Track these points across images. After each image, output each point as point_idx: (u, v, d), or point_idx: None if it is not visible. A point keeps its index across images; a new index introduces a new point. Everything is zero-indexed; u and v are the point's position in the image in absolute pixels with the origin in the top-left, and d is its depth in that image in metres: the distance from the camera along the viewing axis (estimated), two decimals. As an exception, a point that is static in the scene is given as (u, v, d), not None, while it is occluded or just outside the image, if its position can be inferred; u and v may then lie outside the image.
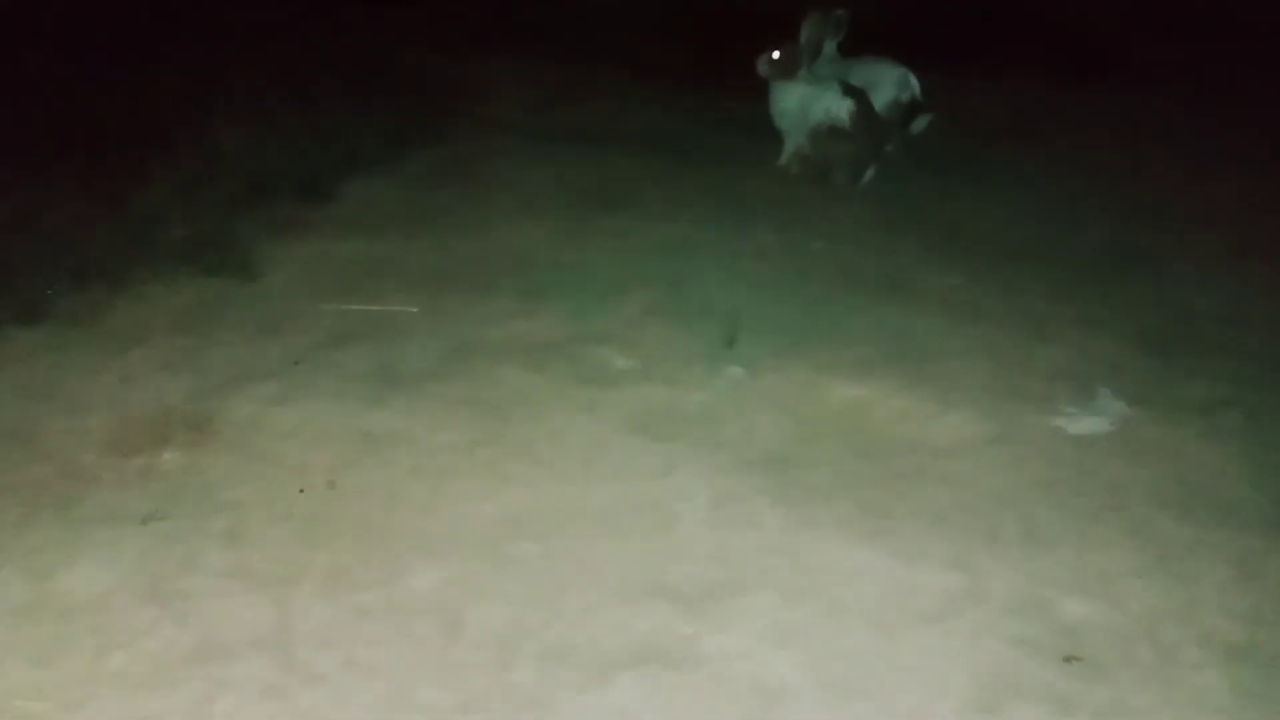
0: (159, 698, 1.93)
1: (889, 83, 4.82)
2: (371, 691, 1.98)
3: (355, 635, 2.10)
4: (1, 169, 3.82)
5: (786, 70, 4.54)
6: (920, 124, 4.84)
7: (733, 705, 1.99)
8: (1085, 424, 2.88)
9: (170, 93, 4.69)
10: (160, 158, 4.13)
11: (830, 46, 4.76)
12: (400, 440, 2.70)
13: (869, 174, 4.60)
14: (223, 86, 4.76)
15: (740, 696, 2.01)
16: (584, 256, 3.78)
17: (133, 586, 2.18)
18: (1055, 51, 6.50)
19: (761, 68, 4.56)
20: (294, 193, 4.15)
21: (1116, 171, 5.06)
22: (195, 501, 2.44)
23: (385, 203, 4.19)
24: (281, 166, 4.27)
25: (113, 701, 1.92)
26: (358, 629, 2.12)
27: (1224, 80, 5.96)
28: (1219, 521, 2.53)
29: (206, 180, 4.10)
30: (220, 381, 2.89)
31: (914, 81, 4.85)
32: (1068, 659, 2.11)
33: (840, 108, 4.49)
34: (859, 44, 4.90)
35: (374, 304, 3.34)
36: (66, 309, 3.24)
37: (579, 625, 2.16)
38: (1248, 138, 5.31)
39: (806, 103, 4.53)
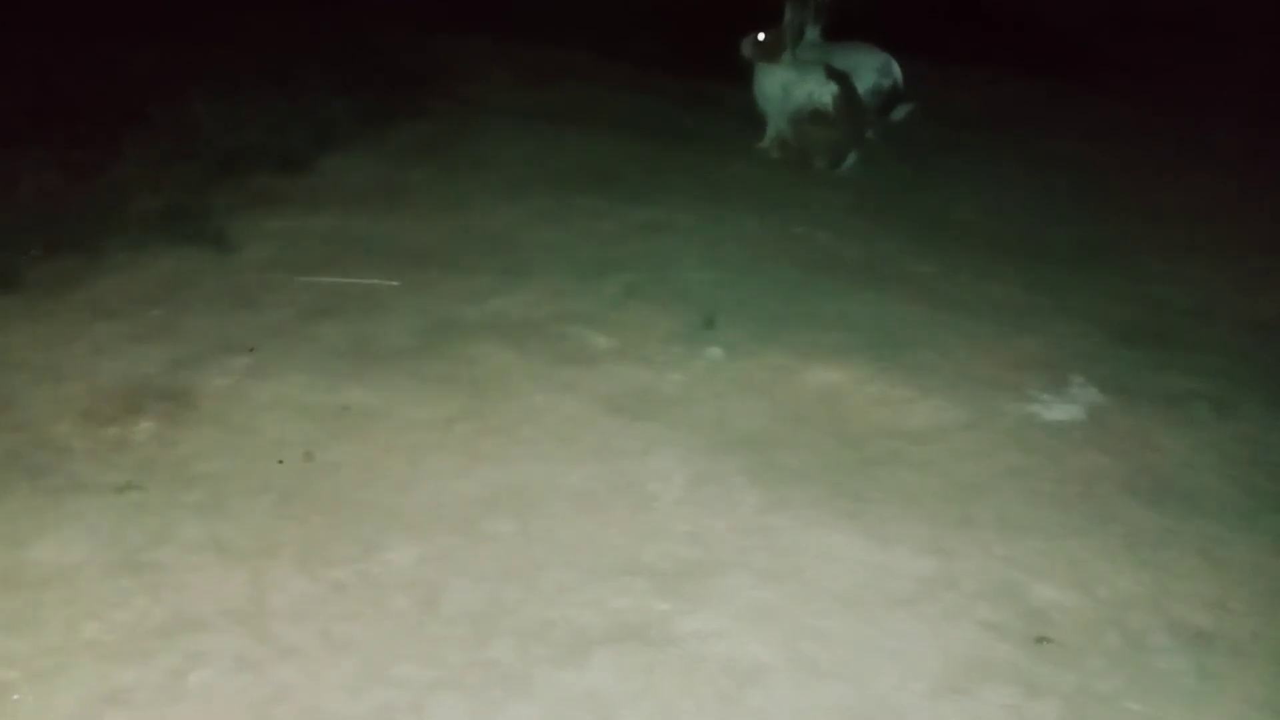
0: (132, 668, 1.92)
1: (870, 69, 4.83)
2: (346, 665, 1.98)
3: (331, 609, 2.10)
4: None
5: (770, 53, 4.54)
6: (900, 112, 4.86)
7: (708, 684, 2.00)
8: (1059, 411, 2.92)
9: (146, 68, 4.66)
10: (135, 131, 4.10)
11: (813, 31, 4.76)
12: (377, 415, 2.69)
13: (850, 159, 4.61)
14: (199, 63, 4.73)
15: (715, 675, 2.02)
16: (563, 236, 3.77)
17: (106, 557, 2.16)
18: (1031, 46, 6.55)
19: (745, 50, 4.56)
20: (270, 167, 4.13)
21: (1090, 166, 5.11)
22: (170, 473, 2.42)
23: (363, 179, 4.17)
24: (257, 141, 4.25)
25: (85, 671, 1.91)
26: (333, 603, 2.11)
27: (1198, 78, 6.03)
28: (1188, 510, 2.56)
29: (182, 153, 4.08)
30: (195, 353, 2.87)
31: (895, 69, 4.87)
32: (1040, 640, 2.14)
33: (823, 92, 4.50)
34: (838, 33, 4.91)
35: (351, 277, 3.32)
36: (40, 278, 3.21)
37: (555, 603, 2.16)
38: (1220, 136, 5.38)
39: (789, 86, 4.54)
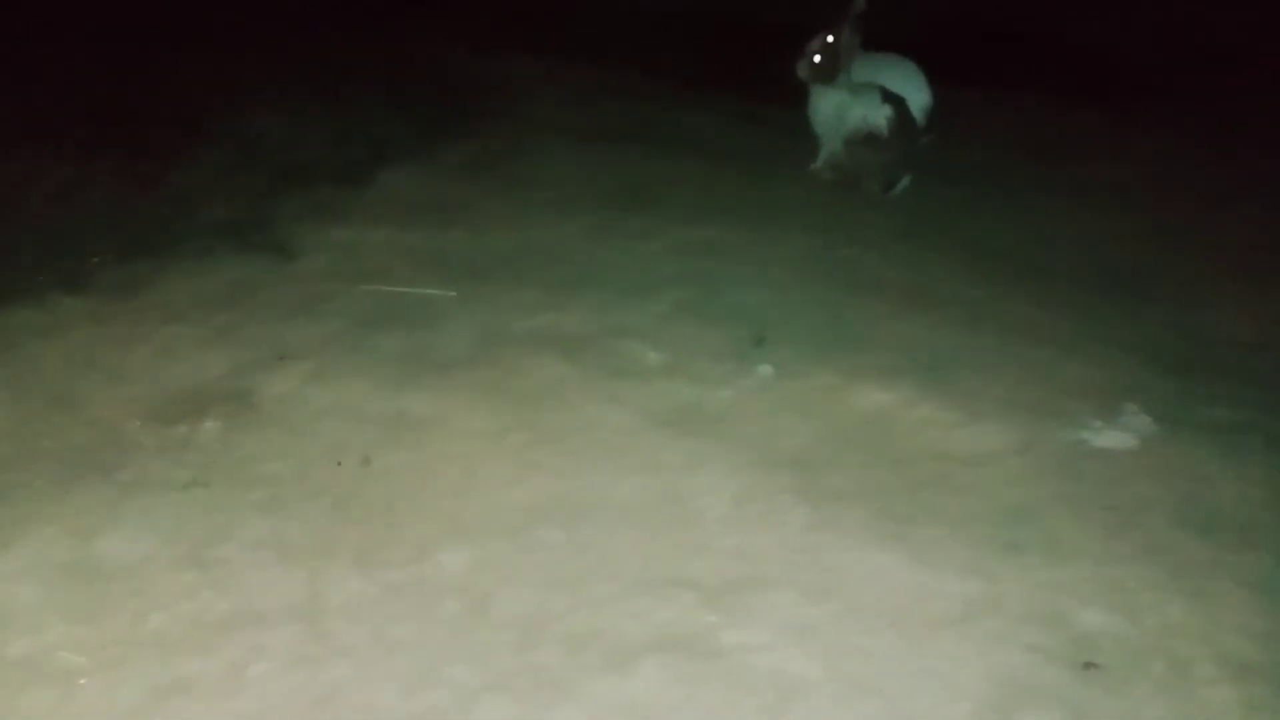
0: (194, 660, 1.98)
1: (916, 86, 4.81)
2: (399, 665, 2.03)
3: (385, 610, 2.15)
4: (44, 149, 3.91)
5: (825, 74, 4.54)
6: (925, 139, 4.85)
7: (750, 696, 2.02)
8: (1108, 439, 2.91)
9: (207, 82, 4.77)
10: (198, 142, 4.22)
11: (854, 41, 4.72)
12: (433, 423, 2.74)
13: (903, 183, 4.62)
14: (258, 77, 4.84)
15: (759, 688, 2.04)
16: (614, 254, 3.82)
17: (172, 551, 2.23)
18: (1076, 73, 6.51)
19: (801, 71, 4.57)
20: (330, 179, 4.22)
21: (1138, 195, 5.06)
22: (233, 472, 2.49)
23: (419, 193, 4.24)
24: (317, 154, 4.35)
25: (150, 661, 1.97)
26: (387, 604, 2.16)
27: (1247, 108, 5.97)
28: (1238, 542, 2.54)
29: (244, 165, 4.19)
30: (257, 357, 2.95)
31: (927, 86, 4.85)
32: (1087, 665, 2.14)
33: (878, 114, 4.49)
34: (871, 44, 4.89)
35: (409, 287, 3.39)
36: (108, 282, 3.30)
37: (602, 612, 2.20)
38: (1267, 165, 5.32)
39: (844, 109, 4.54)
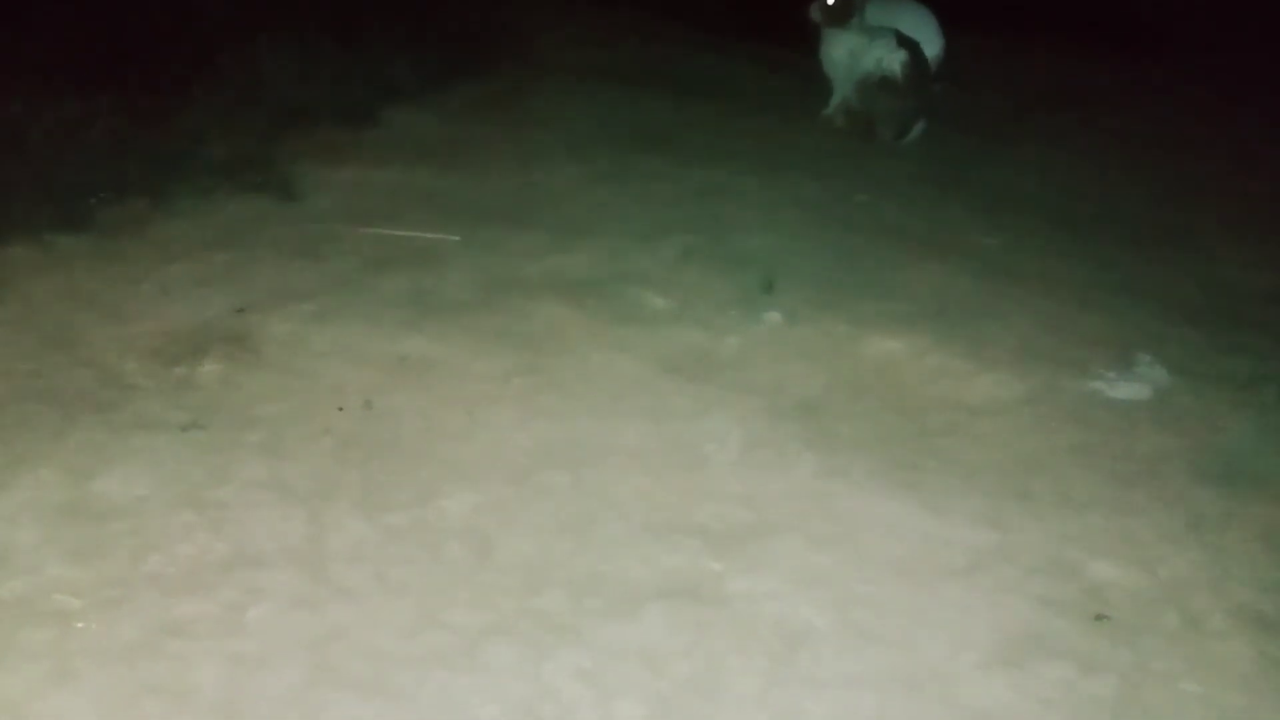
0: (193, 601, 1.96)
1: (931, 31, 4.72)
2: (401, 609, 2.00)
3: (387, 553, 2.12)
4: (45, 84, 3.83)
5: (839, 17, 4.45)
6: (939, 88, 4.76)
7: (757, 643, 2.00)
8: (1124, 389, 2.86)
9: (215, 17, 4.68)
10: (204, 79, 4.14)
11: None
12: (436, 366, 2.70)
13: (916, 130, 4.54)
14: (266, 13, 4.75)
15: (765, 636, 2.02)
16: (622, 197, 3.76)
17: (170, 493, 2.20)
18: (1100, 21, 6.38)
19: (814, 13, 4.48)
20: (335, 119, 4.15)
21: (1161, 145, 4.98)
22: (232, 414, 2.46)
23: (426, 134, 4.18)
24: (323, 93, 4.27)
25: (148, 602, 1.95)
26: (389, 547, 2.14)
27: (1266, 58, 5.84)
28: (1253, 494, 2.51)
29: (249, 103, 4.11)
30: (259, 298, 2.90)
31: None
32: (1099, 617, 2.11)
33: (893, 60, 4.41)
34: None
35: (413, 231, 3.34)
36: (108, 220, 3.25)
37: (607, 556, 2.17)
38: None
39: (858, 53, 4.46)
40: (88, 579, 1.99)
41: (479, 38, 5.16)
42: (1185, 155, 4.88)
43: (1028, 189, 4.33)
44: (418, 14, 5.12)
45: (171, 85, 4.07)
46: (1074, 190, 4.39)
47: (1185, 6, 6.67)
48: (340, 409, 2.51)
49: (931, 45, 4.66)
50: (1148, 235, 4.01)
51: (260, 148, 3.78)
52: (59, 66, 3.98)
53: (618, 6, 5.85)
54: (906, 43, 4.44)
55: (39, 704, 1.75)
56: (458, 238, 3.32)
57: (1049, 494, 2.46)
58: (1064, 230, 3.93)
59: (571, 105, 4.53)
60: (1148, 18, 6.57)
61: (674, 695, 1.88)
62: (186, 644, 1.87)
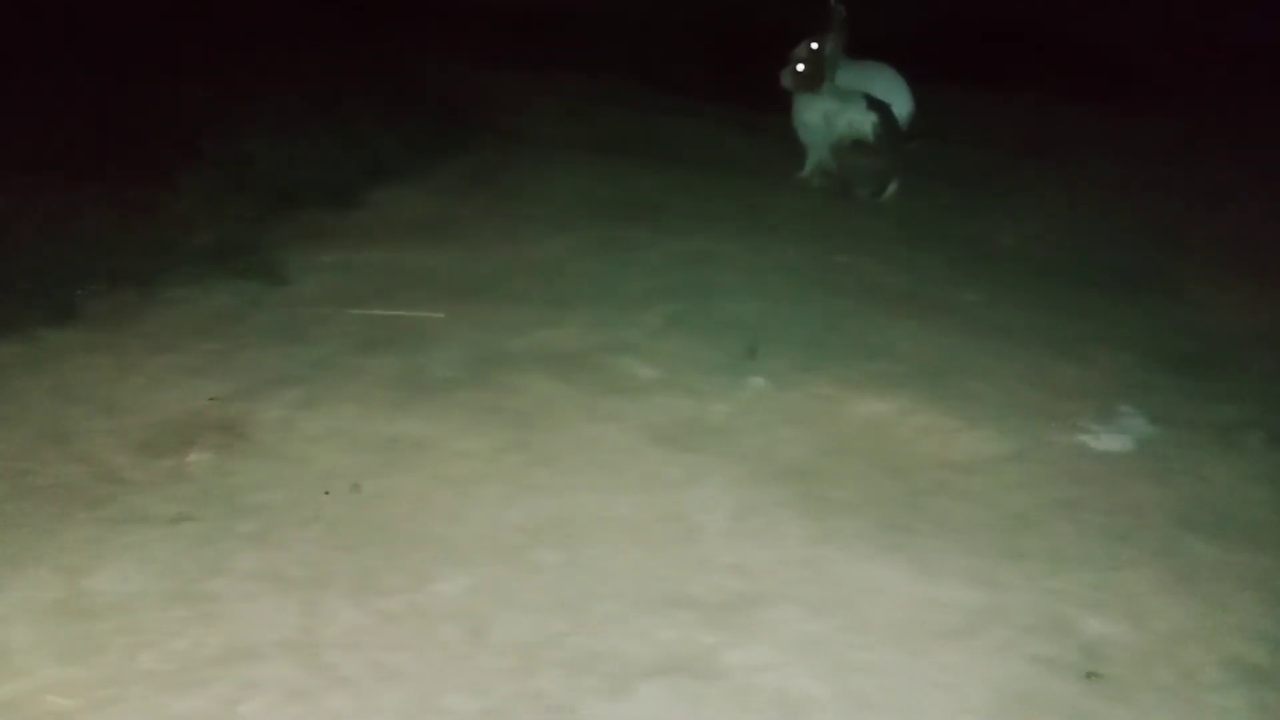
0: (187, 697, 1.95)
1: (900, 94, 4.80)
2: (397, 696, 1.99)
3: (381, 639, 2.12)
4: (32, 176, 3.88)
5: (810, 82, 4.55)
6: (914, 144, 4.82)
7: (756, 716, 1.99)
8: (1108, 441, 2.89)
9: (199, 104, 4.75)
10: (189, 166, 4.19)
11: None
12: (426, 446, 2.72)
13: (892, 188, 4.61)
14: (250, 98, 4.82)
15: (763, 708, 2.01)
16: (608, 267, 3.80)
17: (162, 587, 2.20)
18: (1077, 69, 6.50)
19: (785, 80, 4.57)
20: (321, 201, 4.19)
21: (1139, 191, 5.06)
22: (223, 504, 2.46)
23: (412, 212, 4.22)
24: (309, 176, 4.32)
25: (142, 700, 1.94)
26: (384, 633, 2.13)
27: (1250, 103, 5.95)
28: (1243, 543, 2.52)
29: (235, 188, 4.16)
30: (248, 385, 2.92)
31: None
32: (1090, 675, 2.11)
33: (864, 121, 4.50)
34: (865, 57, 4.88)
35: (400, 310, 3.36)
36: (96, 312, 3.28)
37: (603, 634, 2.17)
38: (1268, 162, 5.30)
39: (830, 116, 4.55)
40: (81, 678, 1.98)
41: (462, 112, 5.24)
42: (1167, 201, 4.95)
43: (1006, 240, 4.39)
44: (398, 88, 5.20)
45: (158, 174, 4.12)
46: (1051, 239, 4.45)
47: (1168, 54, 6.80)
48: (327, 494, 2.52)
49: (902, 106, 4.75)
50: (1128, 282, 4.06)
51: (247, 233, 3.82)
52: (46, 158, 4.03)
53: (597, 75, 5.94)
54: (877, 105, 4.53)
55: (35, 810, 1.74)
56: (441, 315, 3.35)
57: (1039, 551, 2.47)
58: (1044, 281, 3.98)
59: (554, 178, 4.59)
60: (1129, 66, 6.69)
61: (673, 774, 1.88)
62: (182, 742, 1.87)
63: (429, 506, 2.51)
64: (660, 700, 2.01)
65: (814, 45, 4.52)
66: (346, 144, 4.57)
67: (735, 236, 4.09)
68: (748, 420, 2.93)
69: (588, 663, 2.09)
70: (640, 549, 2.42)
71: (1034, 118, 5.91)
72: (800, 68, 4.54)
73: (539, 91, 5.69)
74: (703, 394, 3.03)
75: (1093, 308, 3.76)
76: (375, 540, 2.39)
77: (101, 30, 5.25)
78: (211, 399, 2.86)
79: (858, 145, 4.53)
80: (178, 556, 2.29)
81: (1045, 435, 2.90)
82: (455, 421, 2.83)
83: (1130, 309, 3.79)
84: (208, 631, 2.10)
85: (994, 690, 2.08)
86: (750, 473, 2.70)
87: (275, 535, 2.38)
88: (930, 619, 2.25)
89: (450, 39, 6.06)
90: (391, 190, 4.37)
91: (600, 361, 3.16)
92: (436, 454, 2.70)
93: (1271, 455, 2.88)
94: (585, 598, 2.26)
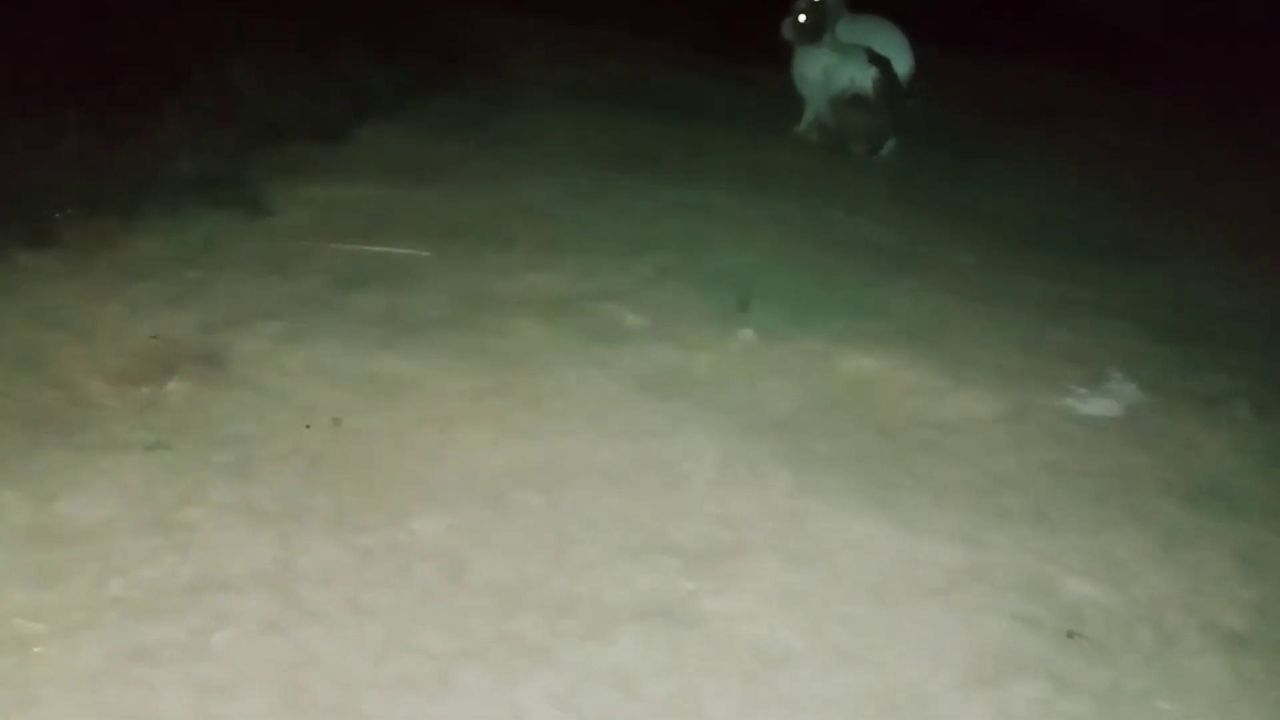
0: (158, 626, 1.92)
1: (902, 49, 4.74)
2: (371, 632, 1.97)
3: (358, 576, 2.09)
4: (16, 98, 3.79)
5: (811, 35, 4.48)
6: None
7: (733, 664, 1.98)
8: (1095, 406, 2.87)
9: (187, 36, 4.65)
10: (175, 96, 4.10)
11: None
12: (408, 385, 2.68)
13: (889, 145, 4.56)
14: (240, 29, 4.72)
15: (741, 657, 2.00)
16: (598, 214, 3.75)
17: (135, 515, 2.16)
18: (1075, 39, 6.44)
19: (786, 31, 4.50)
20: (308, 135, 4.12)
21: (1135, 162, 5.03)
22: (200, 434, 2.42)
23: (399, 150, 4.16)
24: (296, 110, 4.24)
25: (111, 627, 1.91)
26: (360, 570, 2.10)
27: (1247, 78, 5.91)
28: (1226, 511, 2.52)
29: (220, 119, 4.08)
30: (228, 316, 2.87)
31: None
32: (1071, 634, 2.11)
33: (865, 76, 4.44)
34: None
35: (385, 246, 3.31)
36: (76, 237, 3.21)
37: (582, 578, 2.14)
38: (1263, 137, 5.27)
39: (830, 70, 4.49)
40: (50, 604, 1.95)
41: (454, 53, 5.15)
42: (1159, 172, 4.93)
43: (1002, 205, 4.35)
44: (391, 28, 5.10)
45: (143, 102, 4.04)
46: (1047, 207, 4.41)
47: (1165, 25, 6.74)
48: (308, 427, 2.48)
49: (902, 63, 4.69)
50: (1118, 252, 4.04)
51: (231, 165, 3.75)
52: (26, 81, 3.93)
53: (593, 25, 5.84)
54: (878, 60, 4.47)
55: (-1, 732, 1.71)
56: (427, 253, 3.30)
57: (1024, 511, 2.46)
58: (1037, 246, 3.96)
59: (547, 122, 4.52)
60: (1127, 36, 6.64)
61: (649, 718, 1.86)
62: (151, 670, 1.84)
63: (410, 445, 2.47)
64: (638, 645, 2.00)
65: None
66: (336, 81, 4.48)
67: (729, 188, 4.04)
68: (736, 372, 2.90)
69: (567, 606, 2.07)
70: (623, 495, 2.39)
71: (1032, 85, 5.86)
72: (801, 19, 4.47)
73: (534, 37, 5.59)
74: (691, 344, 2.99)
75: (1085, 275, 3.74)
76: (354, 476, 2.35)
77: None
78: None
79: (856, 100, 4.47)
80: (152, 485, 2.25)
81: (1034, 398, 2.88)
82: (439, 361, 2.79)
83: (1123, 278, 3.77)
84: (180, 561, 2.07)
85: (974, 648, 2.07)
86: (737, 424, 2.67)
87: (252, 467, 2.34)
88: (912, 575, 2.24)
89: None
90: (380, 128, 4.30)
91: (588, 308, 3.12)
92: (419, 393, 2.66)
93: (1258, 425, 2.87)
94: (566, 541, 2.24)
